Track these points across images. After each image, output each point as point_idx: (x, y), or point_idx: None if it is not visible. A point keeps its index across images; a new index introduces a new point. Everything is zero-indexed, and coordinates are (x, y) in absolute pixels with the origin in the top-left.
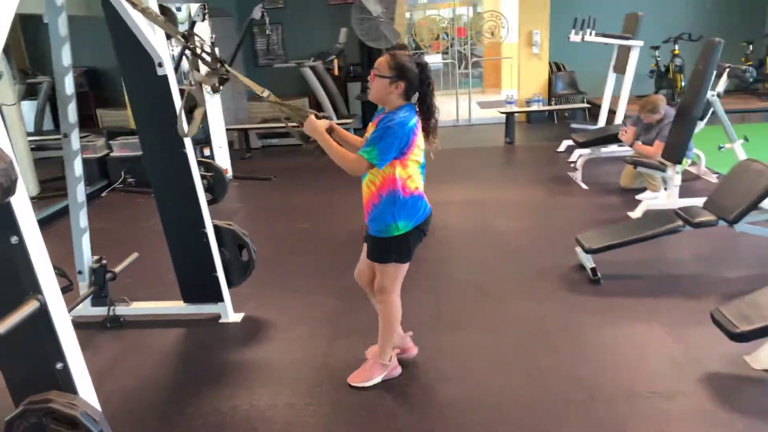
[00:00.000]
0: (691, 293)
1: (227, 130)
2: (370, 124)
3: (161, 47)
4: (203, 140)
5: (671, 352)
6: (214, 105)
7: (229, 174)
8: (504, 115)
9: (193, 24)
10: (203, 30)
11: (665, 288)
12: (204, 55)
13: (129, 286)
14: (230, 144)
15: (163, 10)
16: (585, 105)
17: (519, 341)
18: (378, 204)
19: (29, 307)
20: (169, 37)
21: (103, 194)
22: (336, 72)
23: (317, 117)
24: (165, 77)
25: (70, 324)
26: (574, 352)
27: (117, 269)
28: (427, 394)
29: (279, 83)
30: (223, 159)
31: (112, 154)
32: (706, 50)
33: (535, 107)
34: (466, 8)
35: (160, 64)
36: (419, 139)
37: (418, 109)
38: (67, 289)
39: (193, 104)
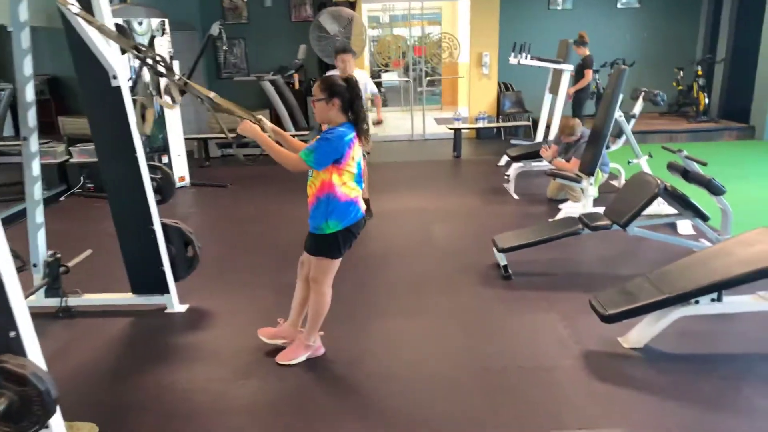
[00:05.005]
0: (588, 288)
1: (187, 139)
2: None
3: (115, 60)
4: (161, 148)
5: (560, 335)
6: (173, 115)
7: (186, 181)
8: (453, 131)
9: (152, 38)
10: (163, 44)
11: (567, 284)
12: (158, 65)
13: (82, 281)
14: (190, 153)
15: (119, 28)
16: (527, 123)
17: (435, 325)
18: (315, 204)
19: None
20: (124, 51)
21: (62, 198)
22: (296, 86)
23: (254, 122)
24: (119, 88)
25: (23, 298)
26: (479, 334)
27: (70, 264)
28: (348, 369)
29: (241, 96)
30: (181, 167)
31: (71, 160)
32: (613, 76)
33: (480, 124)
34: (423, 28)
35: (114, 76)
36: (355, 152)
37: (352, 119)
38: (21, 269)
39: (144, 110)
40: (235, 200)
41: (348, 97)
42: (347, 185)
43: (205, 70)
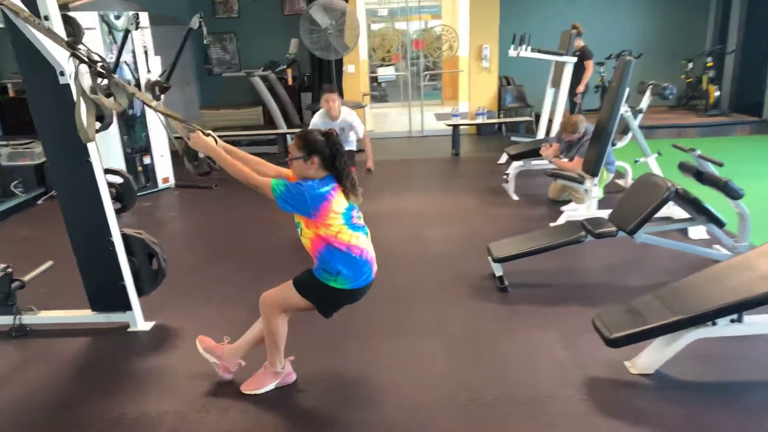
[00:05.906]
0: (591, 302)
1: (175, 138)
2: None
3: (62, 57)
4: (144, 148)
5: (559, 358)
6: (154, 113)
7: (171, 182)
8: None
9: (127, 32)
10: (140, 39)
11: (568, 297)
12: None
13: (44, 296)
14: (177, 152)
15: (67, 19)
16: (529, 118)
17: (419, 347)
18: (319, 261)
19: None
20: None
21: (39, 202)
22: (290, 81)
23: (204, 134)
24: (67, 86)
25: None
26: (467, 357)
27: (26, 278)
28: (320, 398)
29: (233, 92)
30: (165, 167)
31: None
32: (619, 68)
33: (479, 120)
34: (422, 21)
35: (62, 73)
36: (335, 205)
37: (334, 174)
38: None
39: (100, 113)
40: (218, 203)
41: (329, 153)
42: (344, 233)
43: (194, 66)
